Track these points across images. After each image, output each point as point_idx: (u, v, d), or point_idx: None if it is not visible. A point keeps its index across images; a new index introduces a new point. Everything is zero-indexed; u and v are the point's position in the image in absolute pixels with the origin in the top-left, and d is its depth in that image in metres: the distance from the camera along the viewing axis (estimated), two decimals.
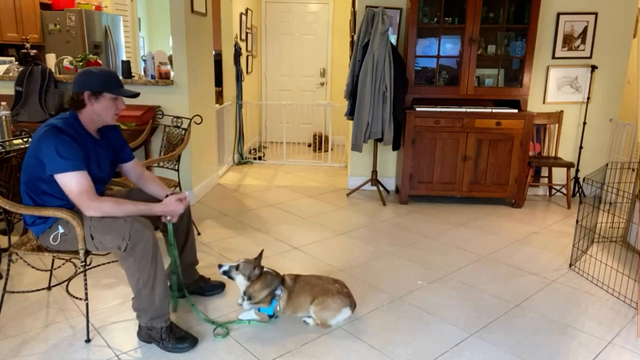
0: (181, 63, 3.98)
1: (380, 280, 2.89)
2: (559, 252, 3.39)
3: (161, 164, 3.53)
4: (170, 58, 4.18)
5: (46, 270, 2.73)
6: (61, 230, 2.11)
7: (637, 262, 3.17)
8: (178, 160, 3.42)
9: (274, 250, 3.29)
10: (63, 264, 2.85)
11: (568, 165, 4.37)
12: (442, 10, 4.23)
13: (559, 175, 4.71)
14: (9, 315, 2.38)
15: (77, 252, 2.13)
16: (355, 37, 4.39)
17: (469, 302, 2.64)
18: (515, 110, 4.22)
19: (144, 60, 4.16)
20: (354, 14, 4.91)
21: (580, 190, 4.65)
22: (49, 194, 2.08)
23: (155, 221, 2.32)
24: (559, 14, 4.42)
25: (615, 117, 4.62)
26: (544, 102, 4.62)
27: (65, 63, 4.31)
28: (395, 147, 4.43)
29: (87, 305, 2.22)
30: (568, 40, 4.47)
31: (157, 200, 2.31)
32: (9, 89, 4.00)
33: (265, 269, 2.38)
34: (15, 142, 2.89)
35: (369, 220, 3.99)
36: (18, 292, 2.59)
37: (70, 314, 2.42)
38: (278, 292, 2.35)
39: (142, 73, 4.31)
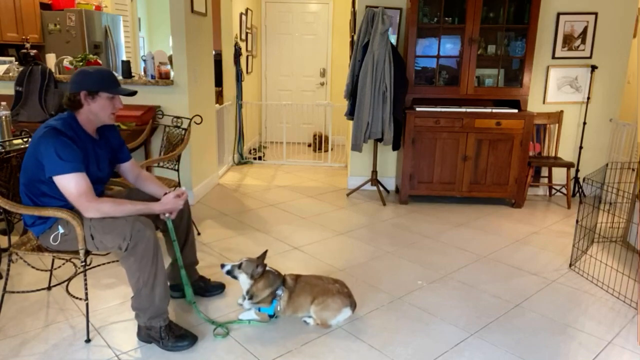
0: (181, 63, 3.98)
1: (380, 280, 2.89)
2: (559, 252, 3.39)
3: (161, 164, 3.53)
4: (170, 58, 4.18)
5: (46, 270, 2.73)
6: (61, 230, 2.11)
7: (637, 262, 3.17)
8: (178, 160, 3.42)
9: (274, 250, 3.29)
10: (63, 264, 2.85)
11: (568, 165, 4.37)
12: (442, 10, 4.23)
13: (559, 175, 4.71)
14: (9, 315, 2.38)
15: (77, 252, 2.13)
16: (355, 37, 4.39)
17: (469, 302, 2.64)
18: (515, 110, 4.22)
19: (144, 60, 4.16)
20: (354, 14, 4.91)
21: (580, 190, 4.65)
22: (48, 196, 2.08)
23: (156, 220, 2.32)
24: (559, 14, 4.42)
25: (615, 117, 4.62)
26: (544, 102, 4.62)
27: (65, 63, 4.31)
28: (395, 147, 4.43)
29: (87, 305, 2.22)
30: (568, 40, 4.47)
31: (156, 199, 2.31)
32: (9, 89, 4.00)
33: (267, 268, 2.38)
34: (15, 142, 2.89)
35: (369, 220, 3.99)
36: (18, 292, 2.59)
37: (70, 314, 2.42)
38: (279, 292, 2.35)
39: (142, 73, 4.31)
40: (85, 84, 2.07)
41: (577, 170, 4.70)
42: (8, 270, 2.27)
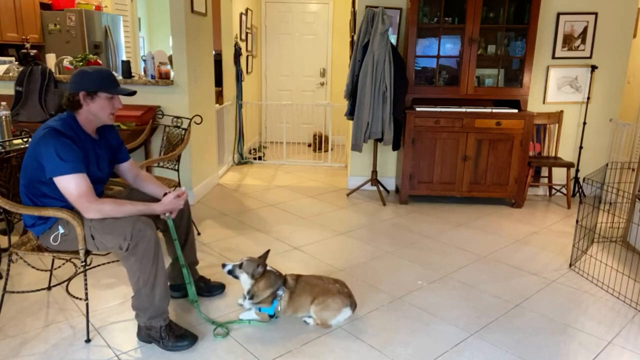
0: (181, 63, 3.98)
1: (380, 280, 2.89)
2: (559, 252, 3.39)
3: (161, 164, 3.53)
4: (170, 58, 4.18)
5: (46, 270, 2.73)
6: (61, 230, 2.11)
7: (637, 262, 3.16)
8: (178, 160, 3.42)
9: (274, 250, 3.29)
10: (63, 264, 2.85)
11: (568, 165, 4.37)
12: (442, 10, 4.23)
13: (559, 175, 4.71)
14: (9, 315, 2.38)
15: (77, 252, 2.13)
16: (355, 37, 4.39)
17: (469, 302, 2.64)
18: (515, 110, 4.22)
19: (144, 60, 4.16)
20: (354, 14, 4.91)
21: (580, 190, 4.65)
22: (49, 197, 2.08)
23: (156, 220, 2.32)
24: (559, 14, 4.42)
25: (615, 117, 4.62)
26: (544, 102, 4.62)
27: (65, 63, 4.31)
28: (395, 147, 4.43)
29: (87, 305, 2.22)
30: (568, 40, 4.47)
31: (156, 199, 2.31)
32: (9, 89, 4.00)
33: (268, 268, 2.38)
34: (15, 142, 2.89)
35: (369, 220, 3.99)
36: (18, 292, 2.59)
37: (70, 314, 2.42)
38: (280, 292, 2.35)
39: (142, 73, 4.31)
40: (84, 84, 2.07)
41: (577, 170, 4.70)
42: (8, 270, 2.27)
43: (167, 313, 2.16)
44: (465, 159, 4.25)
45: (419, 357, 2.15)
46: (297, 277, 2.45)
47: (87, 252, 2.14)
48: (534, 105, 4.61)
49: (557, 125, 4.57)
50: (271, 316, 2.39)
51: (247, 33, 6.40)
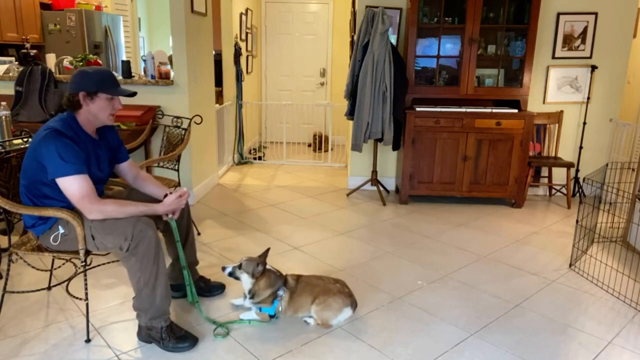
0: (181, 63, 3.98)
1: (380, 280, 2.89)
2: (559, 252, 3.39)
3: (161, 163, 3.53)
4: (170, 58, 4.18)
5: (46, 270, 2.73)
6: (61, 230, 2.11)
7: (637, 262, 3.17)
8: (178, 160, 3.42)
9: (275, 250, 3.29)
10: (63, 264, 2.85)
11: (568, 165, 4.37)
12: (442, 10, 4.23)
13: (559, 175, 4.71)
14: (9, 315, 2.38)
15: (77, 252, 2.13)
16: (355, 37, 4.39)
17: (469, 302, 2.64)
18: (515, 110, 4.22)
19: (144, 60, 4.16)
20: (354, 14, 4.91)
21: (580, 190, 4.65)
22: (49, 197, 2.08)
23: (156, 221, 2.32)
24: (559, 14, 4.42)
25: (615, 117, 4.62)
26: (544, 102, 4.62)
27: (65, 63, 4.31)
28: (395, 147, 4.43)
29: (87, 305, 2.22)
30: (568, 40, 4.47)
31: (156, 200, 2.31)
32: (9, 89, 4.00)
33: (269, 268, 2.38)
34: (15, 142, 2.89)
35: (369, 220, 3.99)
36: (18, 292, 2.59)
37: (70, 314, 2.42)
38: (280, 292, 2.35)
39: (142, 73, 4.31)
40: (84, 85, 2.07)
41: (577, 170, 4.70)
42: (8, 270, 2.27)
43: (168, 314, 2.16)
44: (465, 159, 4.25)
45: (419, 357, 2.15)
46: (298, 277, 2.45)
47: (87, 252, 2.13)
48: (534, 105, 4.61)
49: (557, 125, 4.57)
50: (271, 316, 2.39)
51: (247, 33, 6.40)
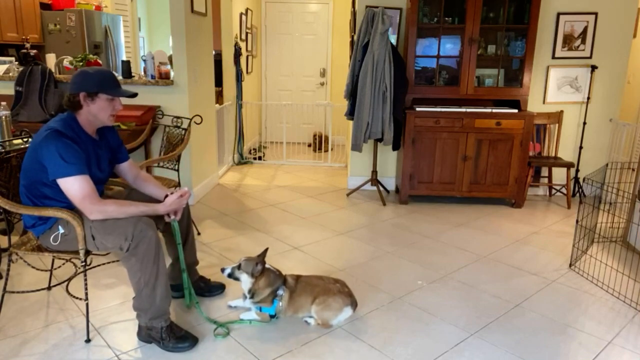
0: (181, 63, 3.98)
1: (380, 280, 2.89)
2: (559, 252, 3.39)
3: (161, 164, 3.53)
4: (170, 58, 4.18)
5: (46, 270, 2.73)
6: (61, 230, 2.11)
7: (637, 262, 3.16)
8: (178, 160, 3.42)
9: (275, 250, 3.29)
10: (63, 264, 2.85)
11: (568, 165, 4.37)
12: (442, 10, 4.23)
13: (559, 175, 4.71)
14: (9, 315, 2.38)
15: (77, 252, 2.13)
16: (355, 37, 4.39)
17: (469, 302, 2.64)
18: (515, 110, 4.22)
19: (144, 60, 4.16)
20: (354, 14, 4.91)
21: (580, 190, 4.65)
22: (50, 198, 2.08)
23: (157, 221, 2.32)
24: (559, 14, 4.42)
25: (615, 117, 4.62)
26: (544, 102, 4.62)
27: (65, 63, 4.31)
28: (395, 147, 4.43)
29: (87, 305, 2.22)
30: (568, 40, 4.47)
31: (155, 200, 2.31)
32: (9, 89, 4.00)
33: (268, 267, 2.38)
34: (15, 142, 2.89)
35: (369, 220, 3.99)
36: (18, 292, 2.59)
37: (70, 314, 2.42)
38: (280, 292, 2.36)
39: (142, 73, 4.31)
40: (84, 85, 2.07)
41: (577, 170, 4.70)
42: (8, 270, 2.27)
43: (168, 314, 2.16)
44: (465, 159, 4.25)
45: (419, 357, 2.15)
46: (297, 277, 2.45)
47: (87, 252, 2.13)
48: (534, 105, 4.61)
49: (557, 125, 4.57)
50: (272, 316, 2.39)
51: (247, 33, 6.40)
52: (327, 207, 4.32)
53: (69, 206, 2.07)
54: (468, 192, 4.34)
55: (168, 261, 2.41)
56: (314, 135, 7.14)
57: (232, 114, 5.89)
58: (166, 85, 4.01)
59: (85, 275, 2.19)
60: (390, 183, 4.89)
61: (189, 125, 3.43)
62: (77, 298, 2.52)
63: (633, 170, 3.78)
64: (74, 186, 1.99)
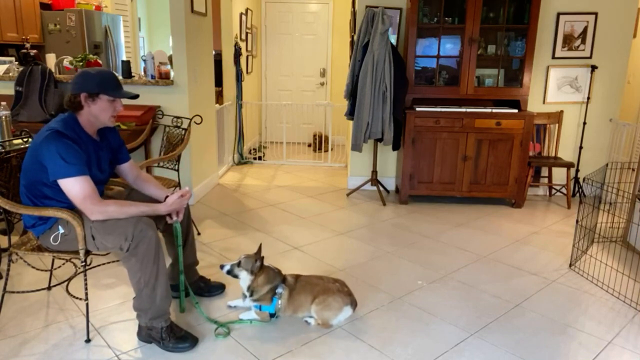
0: (181, 63, 3.98)
1: (380, 280, 2.89)
2: (559, 252, 3.39)
3: (161, 164, 3.53)
4: (170, 58, 4.18)
5: (46, 270, 2.73)
6: (61, 230, 2.11)
7: (637, 262, 3.16)
8: (178, 160, 3.42)
9: (275, 250, 3.29)
10: (63, 264, 2.85)
11: (568, 165, 4.37)
12: (442, 10, 4.23)
13: (559, 175, 4.71)
14: (9, 315, 2.38)
15: (77, 252, 2.13)
16: (355, 37, 4.39)
17: (469, 302, 2.64)
18: (515, 110, 4.22)
19: (144, 60, 4.16)
20: (354, 14, 4.91)
21: (580, 190, 4.65)
22: (50, 198, 2.08)
23: (157, 221, 2.32)
24: (559, 14, 4.42)
25: (615, 117, 4.62)
26: (544, 102, 4.62)
27: (65, 63, 4.31)
28: (395, 147, 4.43)
29: (87, 305, 2.22)
30: (568, 40, 4.47)
31: (156, 200, 2.31)
32: (9, 89, 4.00)
33: (267, 264, 2.38)
34: (15, 142, 2.89)
35: (369, 220, 3.99)
36: (18, 292, 2.59)
37: (70, 314, 2.42)
38: (280, 290, 2.36)
39: (142, 73, 4.31)
40: (86, 86, 2.07)
41: (577, 170, 4.70)
42: (8, 270, 2.27)
43: (168, 314, 2.16)
44: (465, 159, 4.26)
45: (419, 357, 2.15)
46: (297, 277, 2.45)
47: (87, 252, 2.14)
48: (534, 105, 4.61)
49: (557, 125, 4.57)
50: (272, 315, 2.39)
51: (247, 33, 6.40)
52: (327, 207, 4.32)
53: (69, 206, 2.07)
54: (468, 192, 4.34)
55: (168, 261, 2.41)
56: (314, 135, 7.14)
57: (232, 114, 5.89)
58: (166, 85, 4.01)
59: (85, 275, 2.19)
60: (390, 183, 4.89)
61: (189, 125, 3.43)
62: (77, 298, 2.52)
63: (633, 170, 3.78)
64: (75, 187, 1.99)
